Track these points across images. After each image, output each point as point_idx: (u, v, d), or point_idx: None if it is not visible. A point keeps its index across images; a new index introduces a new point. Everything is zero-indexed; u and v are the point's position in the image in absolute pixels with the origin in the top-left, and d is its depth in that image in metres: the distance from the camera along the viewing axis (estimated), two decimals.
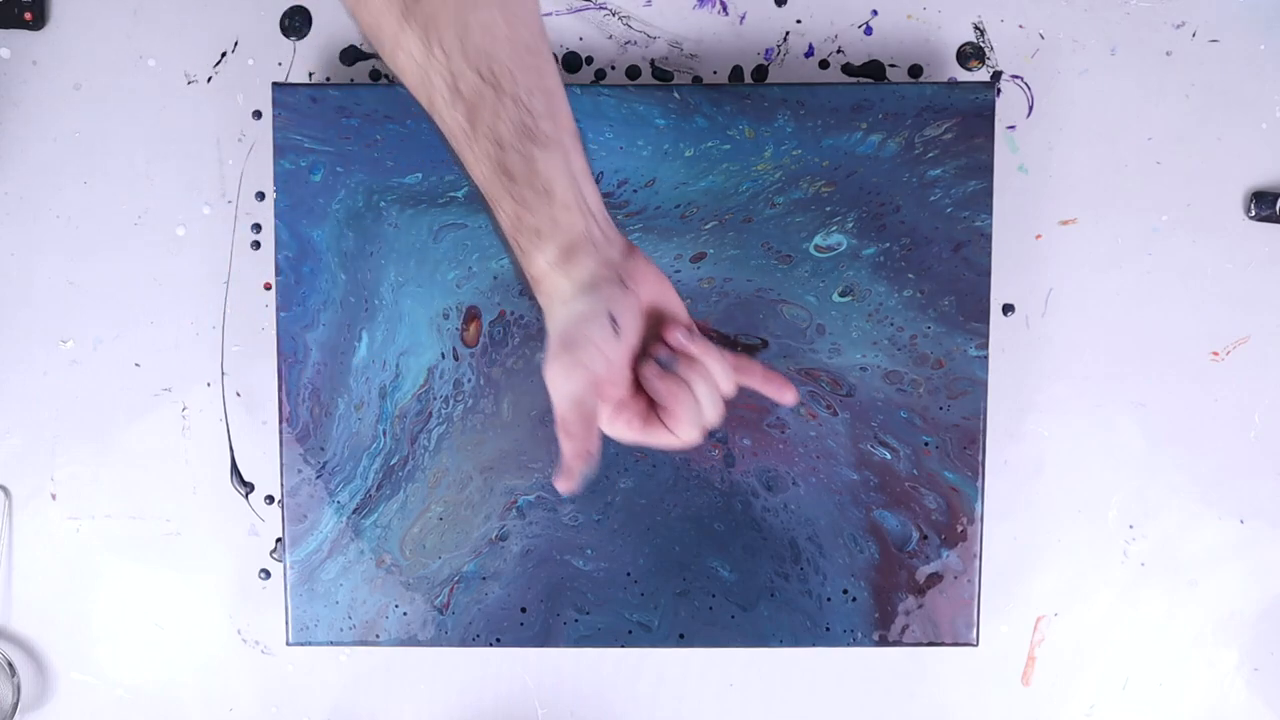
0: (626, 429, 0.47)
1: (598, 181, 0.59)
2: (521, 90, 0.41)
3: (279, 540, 0.64)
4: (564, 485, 0.43)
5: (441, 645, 0.61)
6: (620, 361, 0.44)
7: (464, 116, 0.41)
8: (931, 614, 0.60)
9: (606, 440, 0.60)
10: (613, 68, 0.63)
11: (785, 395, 0.49)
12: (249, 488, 0.64)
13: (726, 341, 0.60)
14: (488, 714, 0.65)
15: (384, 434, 0.60)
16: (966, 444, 0.60)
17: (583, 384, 0.43)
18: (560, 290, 0.44)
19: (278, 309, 0.59)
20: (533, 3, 0.43)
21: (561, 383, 0.43)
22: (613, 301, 0.43)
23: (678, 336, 0.46)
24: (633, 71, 0.63)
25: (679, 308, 0.47)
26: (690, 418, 0.45)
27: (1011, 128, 0.63)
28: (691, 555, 0.60)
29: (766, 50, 0.63)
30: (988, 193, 0.59)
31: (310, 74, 0.63)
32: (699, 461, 0.60)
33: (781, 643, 0.60)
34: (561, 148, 0.42)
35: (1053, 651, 0.65)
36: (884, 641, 0.60)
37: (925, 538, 0.60)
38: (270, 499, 0.64)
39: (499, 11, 0.41)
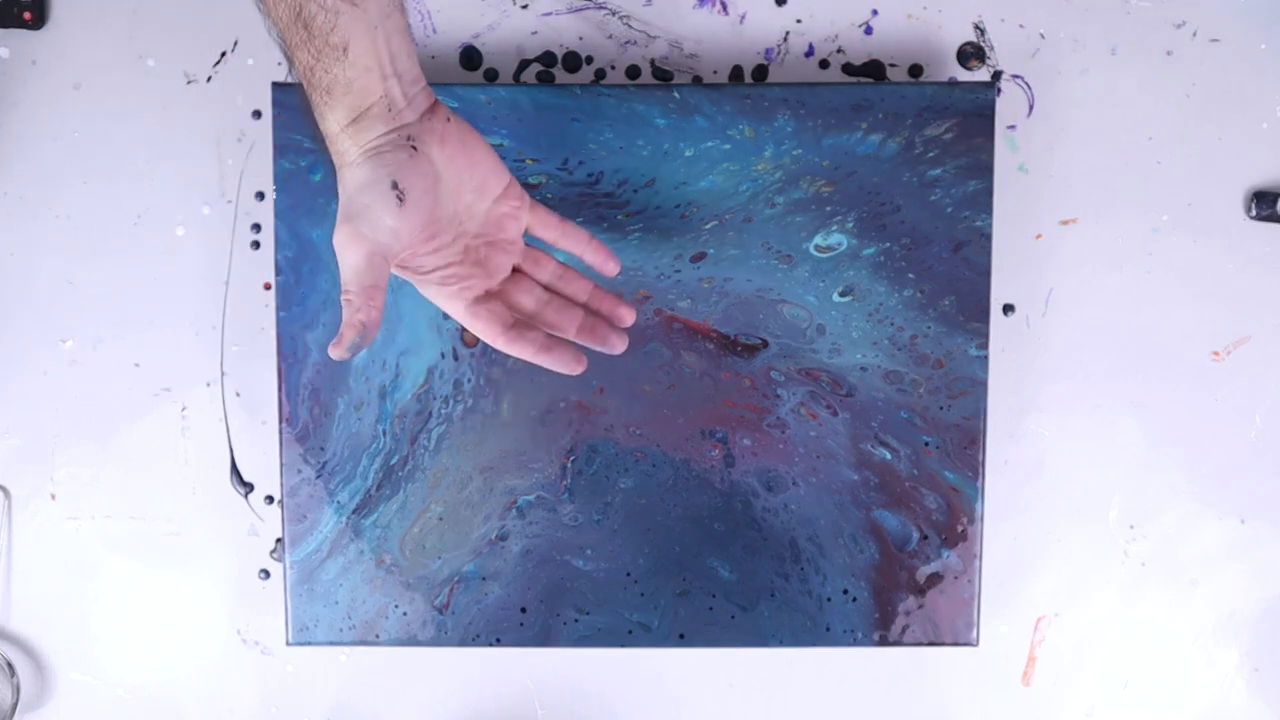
0: (447, 302, 0.46)
1: (597, 181, 0.59)
2: None
3: (279, 540, 0.64)
4: (334, 351, 0.43)
5: (441, 645, 0.61)
6: (411, 229, 0.43)
7: None
8: (931, 614, 0.60)
9: (606, 442, 0.60)
10: (613, 68, 0.63)
11: (608, 266, 0.51)
12: (249, 488, 0.64)
13: (726, 342, 0.60)
14: (488, 714, 0.65)
15: (384, 434, 0.60)
16: (966, 444, 0.60)
17: (363, 255, 0.42)
18: (347, 154, 0.43)
19: (278, 309, 0.59)
20: None
21: (344, 252, 0.42)
22: (397, 167, 0.42)
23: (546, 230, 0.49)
24: (633, 71, 0.63)
25: (491, 166, 0.46)
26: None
27: (1011, 128, 0.63)
28: (691, 555, 0.60)
29: (766, 50, 0.63)
30: (988, 193, 0.59)
31: None
32: (699, 461, 0.60)
33: (781, 643, 0.60)
34: (374, 4, 0.41)
35: (1053, 651, 0.65)
36: (884, 641, 0.60)
37: (925, 538, 0.60)
38: (270, 499, 0.64)
39: None
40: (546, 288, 0.51)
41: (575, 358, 0.50)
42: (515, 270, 0.50)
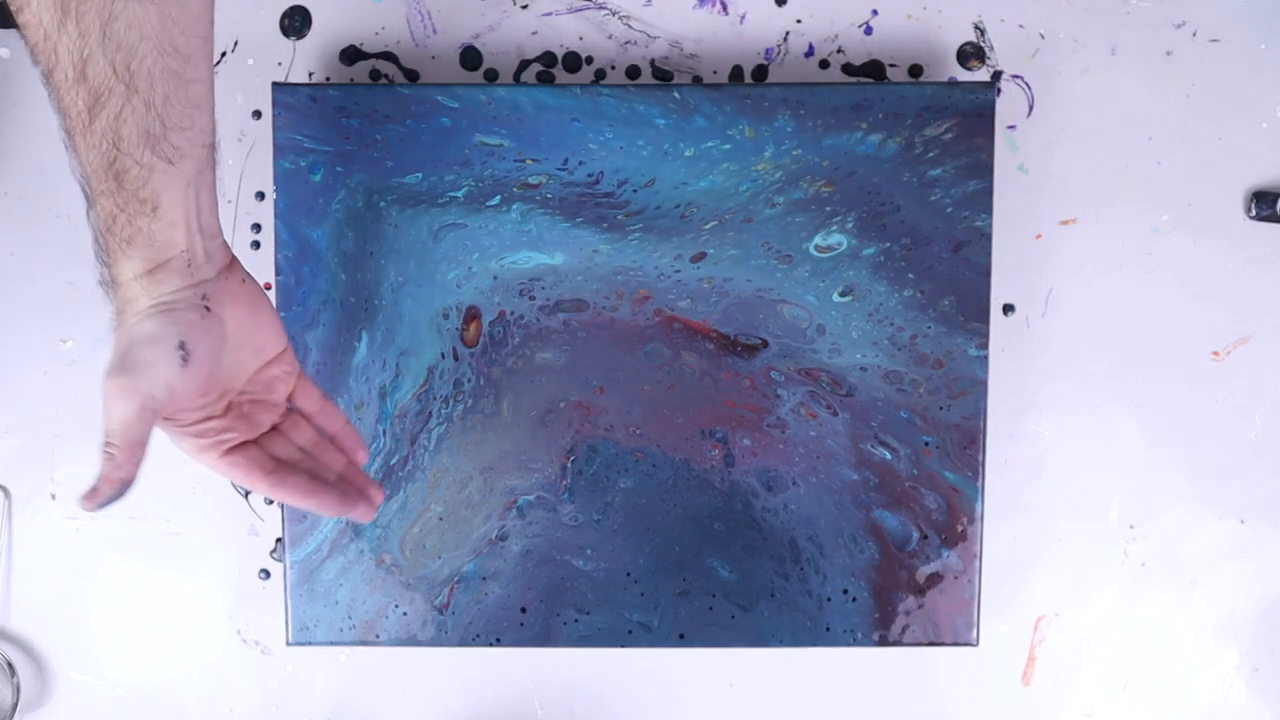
0: (200, 453, 0.45)
1: (597, 181, 0.59)
2: (158, 97, 0.38)
3: (279, 540, 0.64)
4: (87, 504, 0.41)
5: (441, 645, 0.61)
6: (189, 389, 0.42)
7: (85, 106, 0.38)
8: (931, 614, 0.60)
9: (606, 442, 0.60)
10: (613, 68, 0.63)
11: (358, 454, 0.51)
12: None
13: (726, 342, 0.60)
14: (488, 714, 0.65)
15: (384, 434, 0.60)
16: (966, 444, 0.60)
17: (134, 409, 0.41)
18: (135, 303, 0.41)
19: (278, 309, 0.59)
20: (201, 11, 0.40)
21: (114, 404, 0.41)
22: (187, 327, 0.41)
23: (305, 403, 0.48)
24: (633, 71, 0.63)
25: (273, 331, 0.46)
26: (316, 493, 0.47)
27: (1011, 128, 0.63)
28: (691, 555, 0.60)
29: (766, 50, 0.63)
30: (988, 193, 0.59)
31: (310, 74, 0.63)
32: (699, 461, 0.60)
33: (781, 643, 0.60)
34: (190, 162, 0.40)
35: (1053, 651, 0.65)
36: (884, 641, 0.60)
37: (925, 538, 0.60)
38: (270, 499, 0.64)
39: (154, 7, 0.38)
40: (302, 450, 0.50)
41: (344, 500, 0.49)
42: (273, 429, 0.49)
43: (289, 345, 0.48)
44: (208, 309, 0.42)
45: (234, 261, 0.45)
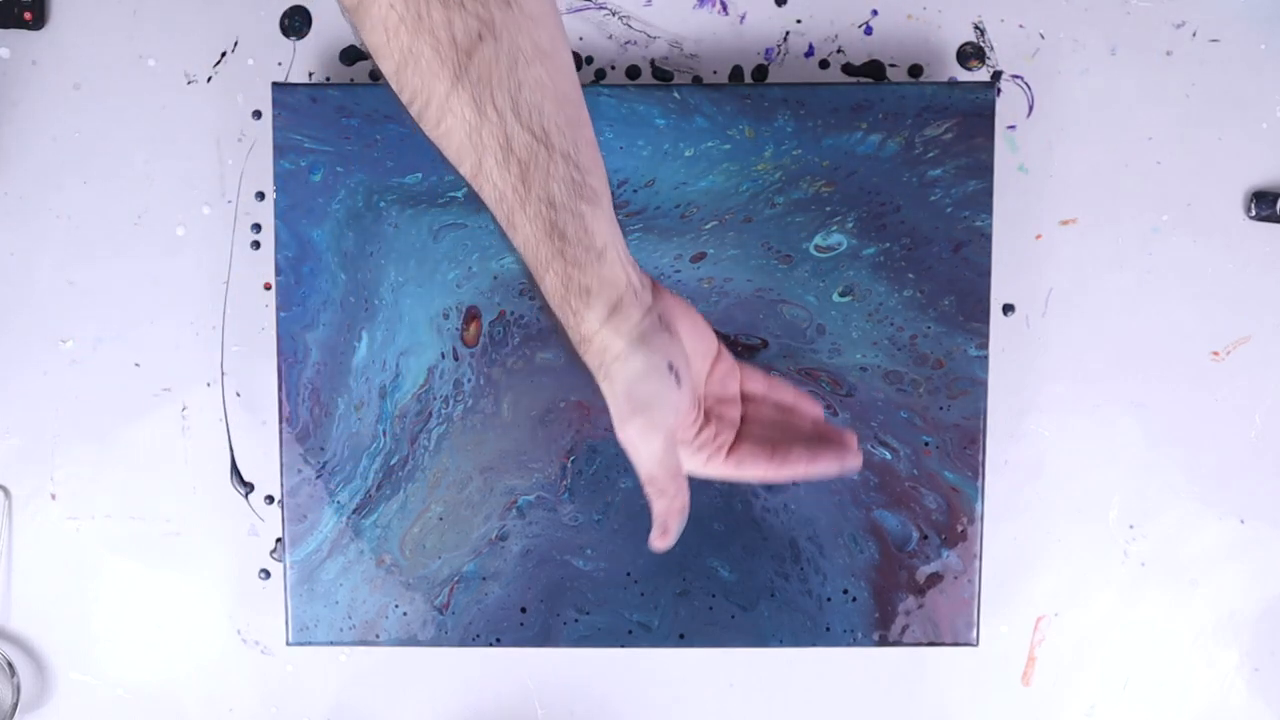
0: (708, 465, 0.47)
1: None
2: (570, 145, 0.40)
3: (279, 540, 0.64)
4: (662, 543, 0.44)
5: (441, 645, 0.61)
6: (687, 407, 0.44)
7: (517, 178, 0.40)
8: (931, 614, 0.60)
9: (606, 442, 0.60)
10: (613, 68, 0.63)
11: (815, 409, 0.51)
12: (249, 488, 0.64)
13: (726, 342, 0.60)
14: (488, 714, 0.65)
15: (384, 434, 0.60)
16: (966, 444, 0.60)
17: (660, 443, 0.43)
18: (613, 348, 0.43)
19: (278, 309, 0.59)
20: (568, 52, 0.42)
21: (643, 445, 0.43)
22: (665, 351, 0.43)
23: (758, 387, 0.49)
24: (633, 71, 0.63)
25: (708, 332, 0.48)
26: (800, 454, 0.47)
27: (1011, 128, 0.63)
28: (691, 555, 0.60)
29: (766, 50, 0.63)
30: (988, 193, 0.59)
31: (310, 74, 0.63)
32: None
33: (781, 643, 0.60)
34: (605, 200, 0.42)
35: (1053, 651, 0.65)
36: (884, 641, 0.60)
37: (925, 538, 0.60)
38: (270, 499, 0.64)
39: (543, 66, 0.40)
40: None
41: (839, 454, 0.48)
42: (743, 419, 0.50)
43: (720, 343, 0.49)
44: (668, 329, 0.44)
45: (656, 282, 0.46)
